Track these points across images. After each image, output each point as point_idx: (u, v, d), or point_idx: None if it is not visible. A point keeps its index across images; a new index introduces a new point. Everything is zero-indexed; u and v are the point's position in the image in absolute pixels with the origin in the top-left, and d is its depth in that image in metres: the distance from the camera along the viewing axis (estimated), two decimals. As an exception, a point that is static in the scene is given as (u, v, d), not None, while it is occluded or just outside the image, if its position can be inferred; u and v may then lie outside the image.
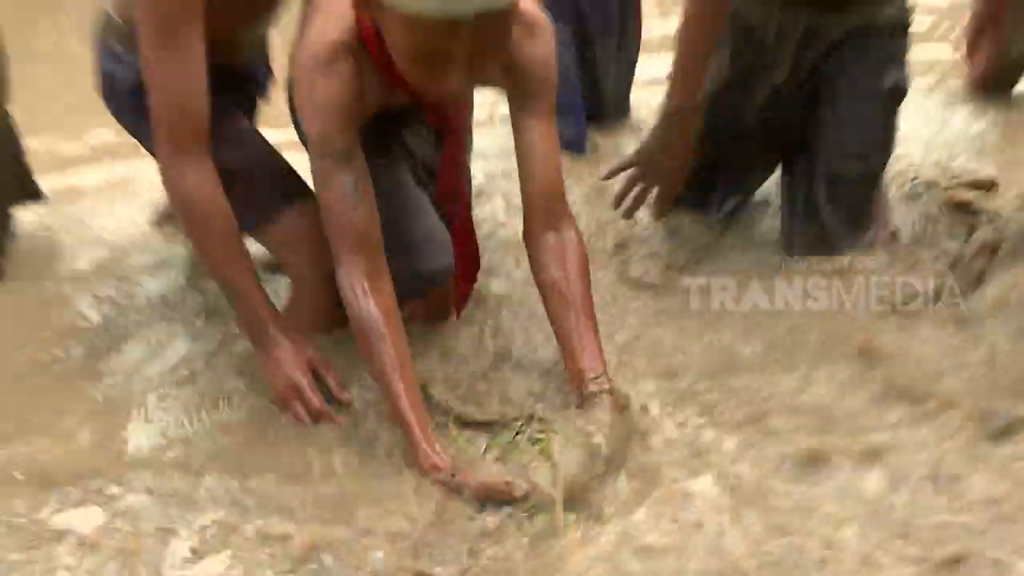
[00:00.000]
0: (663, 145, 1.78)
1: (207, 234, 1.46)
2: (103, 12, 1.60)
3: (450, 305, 1.70)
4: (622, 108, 2.57)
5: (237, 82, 1.68)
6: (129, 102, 1.57)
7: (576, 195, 2.08)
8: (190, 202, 1.44)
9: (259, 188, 1.59)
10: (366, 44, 1.31)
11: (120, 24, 1.57)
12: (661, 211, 1.89)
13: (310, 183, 1.48)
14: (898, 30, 1.79)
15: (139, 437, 1.49)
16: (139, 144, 1.65)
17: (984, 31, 2.48)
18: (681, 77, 1.74)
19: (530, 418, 1.34)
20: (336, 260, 1.38)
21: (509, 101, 1.43)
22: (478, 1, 1.10)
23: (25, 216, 2.22)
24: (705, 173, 1.90)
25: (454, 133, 1.54)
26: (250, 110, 1.81)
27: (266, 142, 1.68)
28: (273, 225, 1.59)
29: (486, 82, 1.44)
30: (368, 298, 1.34)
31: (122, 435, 1.50)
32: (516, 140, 1.44)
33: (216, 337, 1.74)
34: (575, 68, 2.34)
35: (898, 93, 1.81)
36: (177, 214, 1.51)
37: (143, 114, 1.43)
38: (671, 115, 1.77)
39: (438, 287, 1.63)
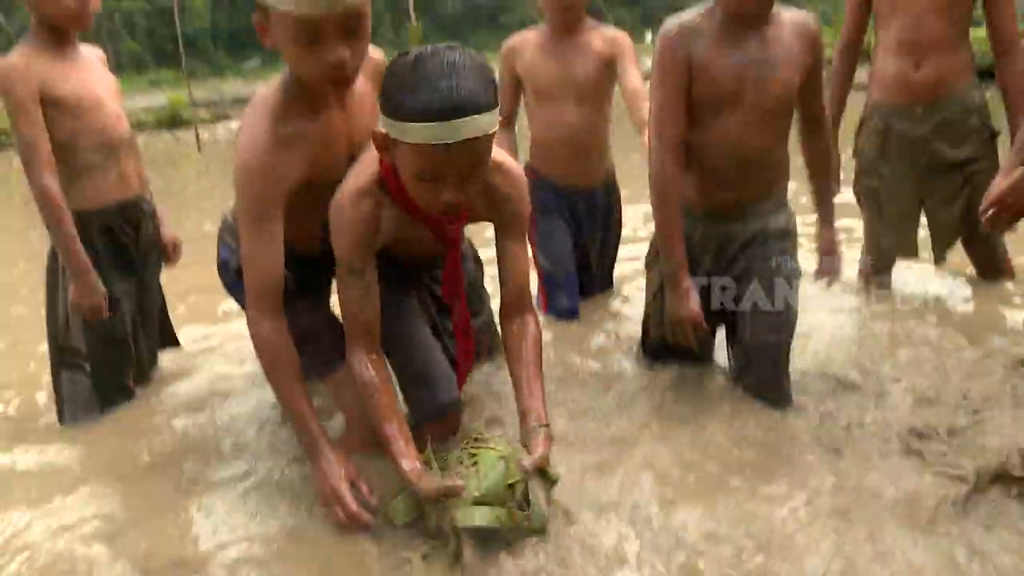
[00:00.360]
0: (676, 298, 2.17)
1: (276, 370, 1.78)
2: (224, 216, 2.14)
3: (458, 426, 2.08)
4: (606, 283, 3.14)
5: (313, 265, 2.03)
6: (236, 279, 1.95)
7: (570, 350, 2.62)
8: (265, 345, 1.77)
9: (324, 348, 1.97)
10: (387, 184, 1.73)
11: (234, 225, 1.98)
12: (696, 339, 2.22)
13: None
14: (788, 234, 2.25)
15: (222, 533, 1.79)
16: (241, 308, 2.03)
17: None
18: (667, 252, 2.16)
19: (475, 440, 1.73)
20: (348, 338, 1.81)
21: (495, 229, 1.87)
22: (460, 133, 1.51)
23: (163, 356, 2.78)
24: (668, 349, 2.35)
25: (453, 248, 1.91)
26: (323, 286, 2.16)
27: (331, 313, 2.08)
28: (332, 375, 1.99)
29: (479, 218, 1.87)
30: (368, 368, 1.78)
31: (207, 531, 1.81)
32: (498, 255, 1.89)
33: (285, 455, 2.10)
34: (571, 255, 2.91)
35: (794, 278, 2.23)
36: (256, 353, 1.82)
37: (244, 288, 1.80)
38: (670, 276, 2.17)
39: (449, 413, 2.04)
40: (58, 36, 2.28)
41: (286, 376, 1.78)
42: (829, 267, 2.39)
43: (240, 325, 2.84)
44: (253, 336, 1.79)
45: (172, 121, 15.05)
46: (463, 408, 2.14)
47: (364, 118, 1.86)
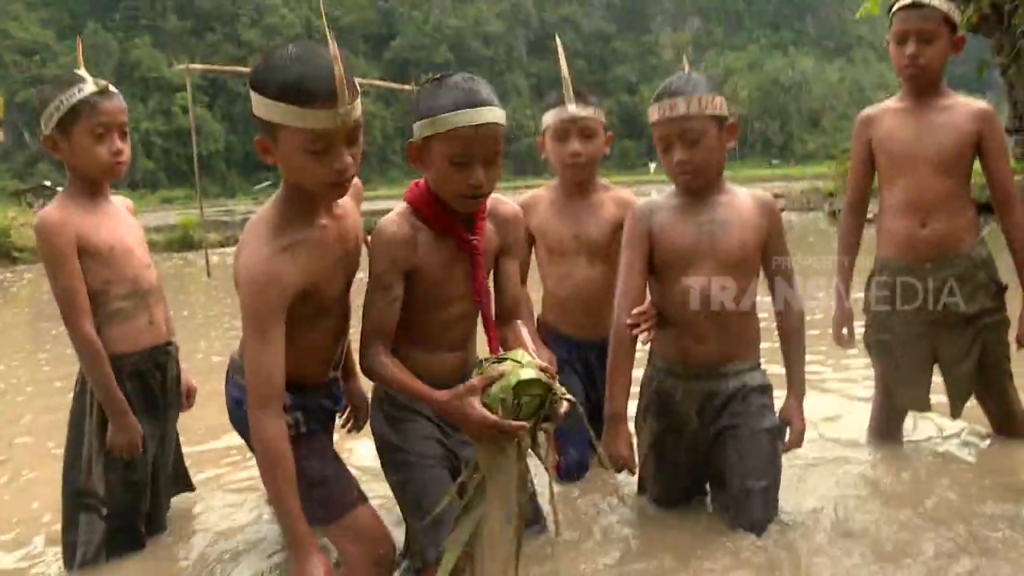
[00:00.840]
0: (611, 439, 2.42)
1: (275, 469, 1.86)
2: (232, 356, 2.20)
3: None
4: None
5: (321, 401, 2.16)
6: (246, 420, 1.94)
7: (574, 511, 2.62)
8: (268, 446, 1.85)
9: (330, 496, 2.05)
10: (419, 212, 2.09)
11: (242, 364, 2.01)
12: (624, 470, 2.48)
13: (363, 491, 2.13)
14: (766, 390, 2.44)
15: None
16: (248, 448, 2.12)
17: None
18: (610, 395, 2.42)
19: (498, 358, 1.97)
20: (367, 341, 2.06)
21: (498, 252, 2.22)
22: (486, 117, 1.94)
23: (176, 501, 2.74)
24: (666, 493, 2.57)
25: (478, 256, 2.15)
26: (328, 424, 2.25)
27: (338, 459, 2.17)
28: (337, 522, 2.06)
29: (490, 240, 2.17)
30: (384, 357, 2.04)
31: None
32: (496, 274, 2.25)
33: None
34: (585, 411, 2.90)
35: (775, 430, 2.41)
36: (256, 452, 1.90)
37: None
38: (610, 417, 2.43)
39: None
40: (91, 187, 2.40)
41: (283, 476, 1.86)
42: (791, 441, 2.45)
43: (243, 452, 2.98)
44: (256, 436, 1.87)
45: (183, 243, 15.37)
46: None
47: (351, 228, 2.08)
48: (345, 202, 2.06)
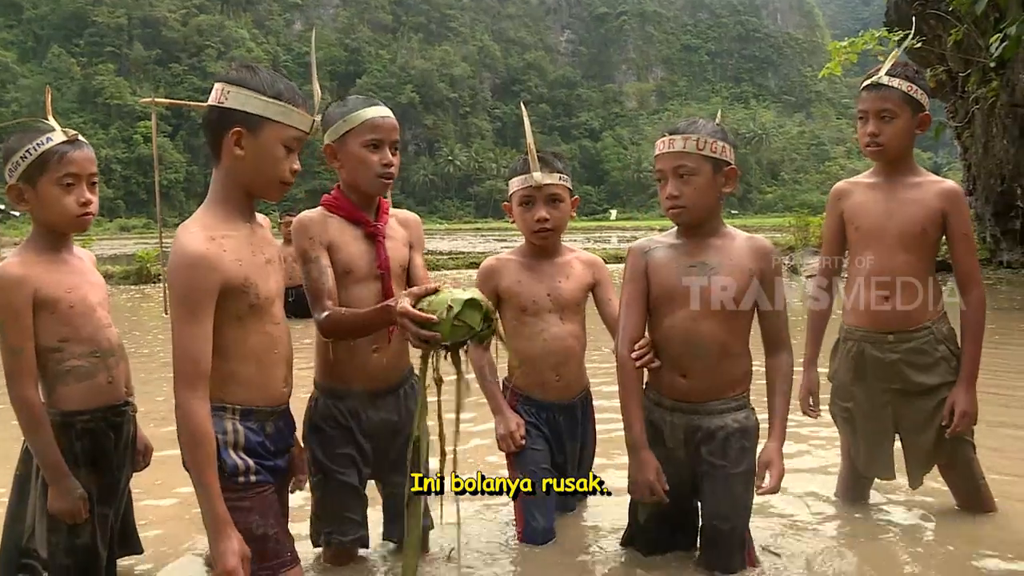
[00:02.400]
0: (636, 466, 2.50)
1: (199, 450, 1.96)
2: None
3: (353, 558, 2.63)
4: (583, 496, 3.09)
5: (275, 432, 2.18)
6: None
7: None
8: (190, 425, 1.95)
9: (265, 553, 2.10)
10: (331, 207, 2.54)
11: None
12: (652, 505, 2.54)
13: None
14: (747, 432, 2.52)
15: None
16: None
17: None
18: (627, 425, 2.50)
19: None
20: (315, 306, 2.41)
21: (408, 246, 2.64)
22: (389, 112, 2.54)
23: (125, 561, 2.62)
24: (654, 526, 2.62)
25: (381, 238, 2.57)
26: (278, 475, 2.23)
27: (280, 515, 2.21)
28: None
29: (394, 232, 2.61)
30: (332, 309, 2.39)
31: None
32: (409, 268, 2.64)
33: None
34: (550, 473, 2.84)
35: (750, 474, 2.48)
36: (181, 431, 1.97)
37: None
38: (631, 447, 2.50)
39: (348, 549, 2.59)
40: (55, 239, 2.33)
41: (206, 457, 1.97)
42: (769, 484, 2.48)
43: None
44: (182, 416, 1.96)
45: (139, 277, 15.12)
46: (361, 545, 2.62)
47: (270, 237, 2.24)
48: (260, 217, 2.25)
